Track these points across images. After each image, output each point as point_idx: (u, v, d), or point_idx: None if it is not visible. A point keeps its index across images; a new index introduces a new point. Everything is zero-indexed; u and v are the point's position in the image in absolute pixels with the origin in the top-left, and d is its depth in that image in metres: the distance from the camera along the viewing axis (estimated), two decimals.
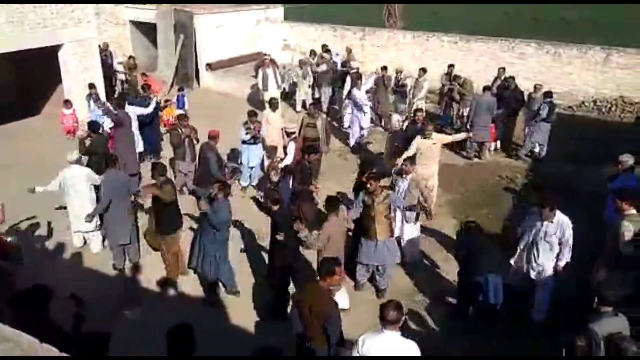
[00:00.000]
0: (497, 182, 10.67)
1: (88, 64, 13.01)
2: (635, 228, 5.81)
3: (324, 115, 10.53)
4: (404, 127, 10.19)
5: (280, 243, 6.56)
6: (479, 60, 16.03)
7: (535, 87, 11.72)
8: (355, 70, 13.79)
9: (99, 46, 13.73)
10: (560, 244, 6.20)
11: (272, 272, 6.93)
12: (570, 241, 6.16)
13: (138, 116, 10.57)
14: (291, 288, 6.70)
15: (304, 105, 14.23)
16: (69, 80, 12.83)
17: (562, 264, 6.27)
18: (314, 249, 6.52)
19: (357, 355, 4.27)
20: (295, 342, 5.03)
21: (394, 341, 4.16)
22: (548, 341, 5.94)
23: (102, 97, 12.75)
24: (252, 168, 10.15)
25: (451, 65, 13.62)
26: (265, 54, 14.83)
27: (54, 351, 2.33)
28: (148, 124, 10.98)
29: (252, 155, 10.01)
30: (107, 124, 10.06)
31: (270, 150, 10.09)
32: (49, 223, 8.59)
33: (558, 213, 6.16)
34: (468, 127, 11.58)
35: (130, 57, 15.18)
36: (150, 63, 17.90)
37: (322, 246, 6.29)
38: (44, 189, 7.63)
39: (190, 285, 7.38)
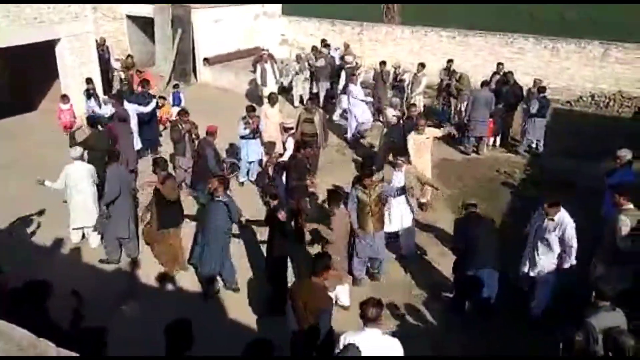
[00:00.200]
0: (495, 177, 10.68)
1: (85, 58, 12.97)
2: (632, 222, 5.82)
3: (322, 111, 10.52)
4: (401, 122, 10.18)
5: (278, 236, 6.57)
6: (478, 55, 16.02)
7: (535, 82, 11.70)
8: (350, 65, 13.79)
9: (96, 41, 13.67)
10: (561, 244, 6.09)
11: (269, 265, 6.93)
12: (574, 243, 6.03)
13: (137, 114, 10.56)
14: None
15: (301, 101, 14.21)
16: (66, 75, 12.78)
17: (566, 265, 6.17)
18: (331, 242, 6.48)
19: (339, 353, 4.27)
20: (290, 339, 5.05)
21: (375, 339, 4.16)
22: (546, 336, 5.95)
23: (100, 92, 12.71)
24: (250, 163, 10.14)
25: (450, 60, 13.60)
26: (263, 49, 14.80)
27: (50, 345, 2.32)
28: (147, 121, 10.95)
29: (251, 151, 10.00)
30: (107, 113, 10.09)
31: (269, 146, 10.08)
32: (39, 219, 8.58)
33: (562, 211, 6.07)
34: (465, 121, 11.59)
35: (128, 56, 15.12)
36: (147, 58, 17.84)
37: (334, 239, 6.35)
38: (52, 185, 7.63)
39: (188, 280, 7.38)
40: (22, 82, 13.66)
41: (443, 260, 7.68)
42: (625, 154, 7.62)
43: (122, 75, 13.78)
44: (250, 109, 9.92)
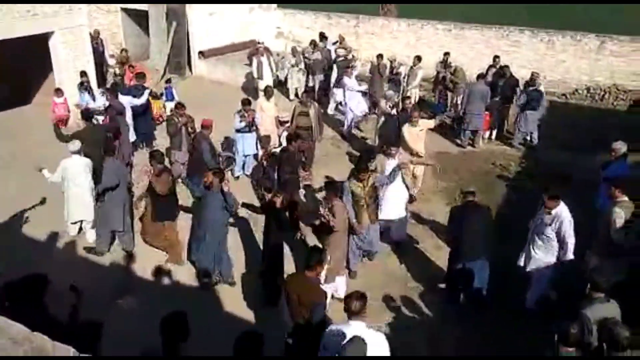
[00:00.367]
0: (490, 170, 10.70)
1: (79, 52, 12.85)
2: (626, 215, 5.85)
3: (317, 104, 10.50)
4: (396, 115, 10.20)
5: (274, 226, 6.57)
6: (474, 48, 15.98)
7: (532, 74, 11.68)
8: (342, 58, 13.74)
9: (90, 34, 13.57)
10: (558, 239, 6.05)
11: (265, 256, 6.92)
12: (569, 239, 5.97)
13: (132, 106, 10.51)
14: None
15: (297, 94, 14.17)
16: (59, 68, 12.68)
17: (563, 259, 6.12)
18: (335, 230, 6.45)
19: (323, 347, 4.28)
20: (284, 340, 5.07)
21: (360, 332, 4.17)
22: (541, 328, 5.98)
23: (94, 85, 12.63)
24: (246, 157, 10.12)
25: (447, 53, 13.56)
26: (259, 42, 14.72)
27: (45, 339, 2.32)
28: (141, 113, 10.90)
29: (247, 144, 9.98)
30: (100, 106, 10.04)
31: (265, 139, 10.06)
32: (38, 215, 8.55)
33: (561, 205, 6.02)
34: (461, 115, 11.60)
35: (122, 50, 15.01)
36: (142, 51, 17.72)
37: (339, 228, 6.36)
38: (49, 176, 7.59)
39: (184, 274, 7.39)
40: (16, 76, 13.53)
41: (439, 253, 7.71)
42: (621, 146, 7.65)
43: (117, 71, 13.67)
44: (246, 103, 9.90)
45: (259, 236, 7.78)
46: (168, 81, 13.52)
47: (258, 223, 8.07)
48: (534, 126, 11.45)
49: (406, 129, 8.90)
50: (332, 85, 13.72)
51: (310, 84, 14.53)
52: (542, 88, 11.54)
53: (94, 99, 11.40)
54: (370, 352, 3.83)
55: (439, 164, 9.17)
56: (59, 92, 12.06)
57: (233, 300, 6.88)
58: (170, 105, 12.19)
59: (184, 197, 8.49)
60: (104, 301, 6.47)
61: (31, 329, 2.66)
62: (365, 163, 7.15)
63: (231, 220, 7.31)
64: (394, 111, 10.41)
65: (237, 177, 10.16)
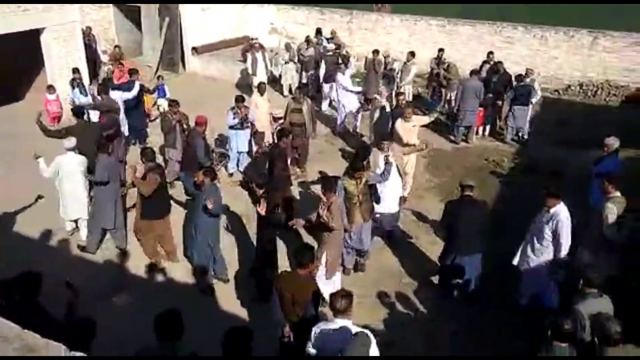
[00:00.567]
0: (484, 165, 10.72)
1: (71, 48, 12.76)
2: (618, 210, 5.87)
3: (310, 100, 10.46)
4: (389, 111, 10.21)
5: (267, 223, 6.54)
6: (467, 44, 16.00)
7: (527, 71, 11.70)
8: (331, 53, 13.71)
9: (82, 30, 13.47)
10: (554, 240, 5.99)
11: (258, 252, 6.90)
12: (563, 239, 5.91)
13: (124, 101, 10.44)
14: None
15: (290, 90, 14.14)
16: (51, 65, 12.59)
17: (557, 257, 6.06)
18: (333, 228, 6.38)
19: (311, 345, 4.30)
20: (279, 340, 5.07)
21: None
22: (534, 323, 6.01)
23: (86, 82, 12.55)
24: (240, 154, 10.08)
25: (441, 50, 13.55)
26: (253, 38, 14.67)
27: (36, 337, 2.30)
28: (134, 107, 10.83)
29: (241, 141, 9.93)
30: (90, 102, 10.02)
31: (259, 136, 10.03)
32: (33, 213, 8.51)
33: (560, 205, 5.96)
34: (455, 111, 11.61)
35: (115, 46, 14.92)
36: (134, 47, 17.61)
37: (337, 226, 6.29)
38: (44, 169, 7.48)
39: (179, 271, 7.37)
40: (6, 72, 13.41)
41: (433, 249, 7.72)
42: (613, 142, 7.68)
43: (111, 67, 13.58)
44: (240, 100, 9.84)
45: (252, 233, 7.77)
46: (160, 78, 13.41)
47: (251, 220, 8.07)
48: (523, 121, 11.47)
49: (399, 124, 8.87)
50: (321, 80, 13.67)
51: (304, 81, 14.49)
52: (536, 84, 11.56)
53: (85, 95, 11.34)
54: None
55: (428, 144, 9.04)
56: (51, 88, 11.98)
57: (227, 298, 6.87)
58: (163, 102, 12.14)
59: (180, 192, 8.47)
60: (98, 298, 6.44)
61: (26, 327, 2.65)
62: (361, 161, 7.07)
63: (225, 217, 7.28)
64: (387, 104, 10.42)
65: (231, 174, 10.14)
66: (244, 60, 14.68)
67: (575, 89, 14.76)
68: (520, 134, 11.71)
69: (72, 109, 9.40)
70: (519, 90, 11.21)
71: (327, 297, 4.89)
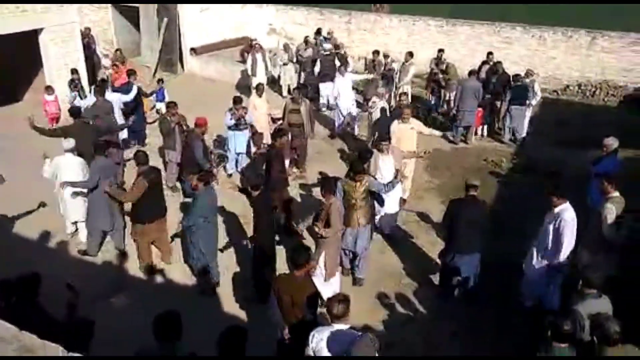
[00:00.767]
0: (482, 166, 10.73)
1: (70, 48, 12.74)
2: (617, 210, 5.87)
3: (308, 101, 10.43)
4: (389, 112, 10.20)
5: (264, 224, 6.54)
6: (466, 44, 16.01)
7: (527, 71, 11.69)
8: (327, 52, 13.69)
9: (81, 31, 13.45)
10: (556, 240, 5.91)
11: (255, 254, 6.89)
12: (565, 241, 5.82)
13: (123, 103, 10.42)
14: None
15: (289, 91, 14.14)
16: (50, 65, 12.57)
17: (556, 261, 5.97)
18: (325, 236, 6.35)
19: (310, 350, 4.26)
20: (277, 342, 5.06)
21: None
22: (533, 323, 6.01)
23: (85, 83, 12.53)
24: (239, 155, 10.08)
25: (441, 50, 13.53)
26: (252, 39, 14.66)
27: (34, 338, 2.30)
28: (132, 110, 10.81)
29: (239, 142, 9.93)
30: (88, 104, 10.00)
31: (257, 137, 10.03)
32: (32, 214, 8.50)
33: (566, 206, 5.88)
34: (454, 111, 11.61)
35: (117, 50, 14.89)
36: (133, 48, 17.59)
37: (331, 235, 6.25)
38: (46, 169, 7.49)
39: (177, 272, 7.36)
40: (5, 73, 13.40)
41: (433, 249, 7.72)
42: (612, 142, 7.68)
43: (112, 71, 13.53)
44: (238, 101, 9.83)
45: (250, 234, 7.75)
46: (160, 81, 13.33)
47: (249, 222, 8.05)
48: (519, 121, 11.48)
49: (395, 126, 8.78)
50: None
51: (302, 81, 14.49)
52: (536, 85, 11.52)
53: (84, 97, 11.32)
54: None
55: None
56: (49, 89, 11.96)
57: (226, 299, 6.86)
58: (162, 106, 12.11)
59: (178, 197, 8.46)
60: (97, 299, 6.43)
61: (26, 327, 2.65)
62: (362, 165, 7.01)
63: (223, 219, 7.26)
64: (386, 105, 10.41)
65: (230, 175, 10.13)
66: (243, 61, 14.68)
67: (574, 89, 14.78)
68: (516, 134, 11.71)
69: (68, 110, 9.38)
70: (516, 90, 11.21)
71: (326, 298, 4.88)
